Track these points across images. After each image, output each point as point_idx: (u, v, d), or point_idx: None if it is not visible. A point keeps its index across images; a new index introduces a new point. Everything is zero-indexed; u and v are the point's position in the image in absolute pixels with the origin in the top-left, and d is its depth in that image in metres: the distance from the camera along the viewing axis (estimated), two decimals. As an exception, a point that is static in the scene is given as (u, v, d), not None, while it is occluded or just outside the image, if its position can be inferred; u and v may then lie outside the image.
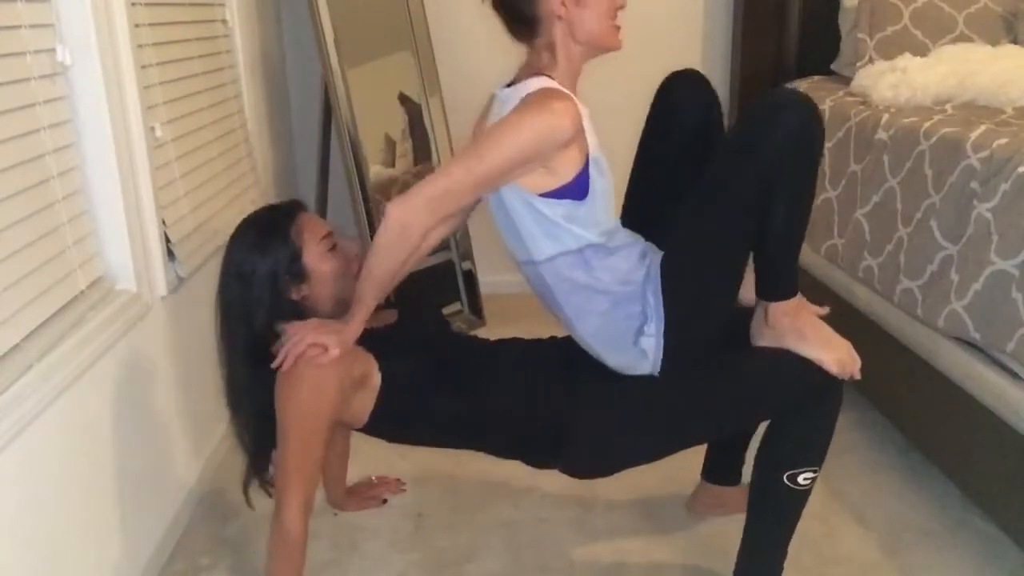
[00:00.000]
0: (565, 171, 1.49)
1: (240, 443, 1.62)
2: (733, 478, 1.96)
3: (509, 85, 1.61)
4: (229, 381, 1.60)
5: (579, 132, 1.49)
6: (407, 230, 1.46)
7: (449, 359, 1.63)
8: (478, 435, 1.63)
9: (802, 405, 1.56)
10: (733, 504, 1.89)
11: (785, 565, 1.68)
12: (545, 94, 1.49)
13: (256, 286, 1.54)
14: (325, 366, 1.45)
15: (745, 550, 1.65)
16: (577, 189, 1.51)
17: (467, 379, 1.60)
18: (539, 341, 1.74)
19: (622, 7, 1.57)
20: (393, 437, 1.67)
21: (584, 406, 1.56)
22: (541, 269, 1.56)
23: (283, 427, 1.48)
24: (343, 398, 1.50)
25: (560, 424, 1.55)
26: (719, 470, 1.96)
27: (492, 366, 1.64)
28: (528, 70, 1.59)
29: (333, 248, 1.60)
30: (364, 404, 1.55)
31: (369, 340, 1.55)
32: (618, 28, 1.58)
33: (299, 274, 1.56)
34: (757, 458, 1.63)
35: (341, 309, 1.58)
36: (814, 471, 1.57)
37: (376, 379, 1.54)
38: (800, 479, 1.56)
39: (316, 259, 1.57)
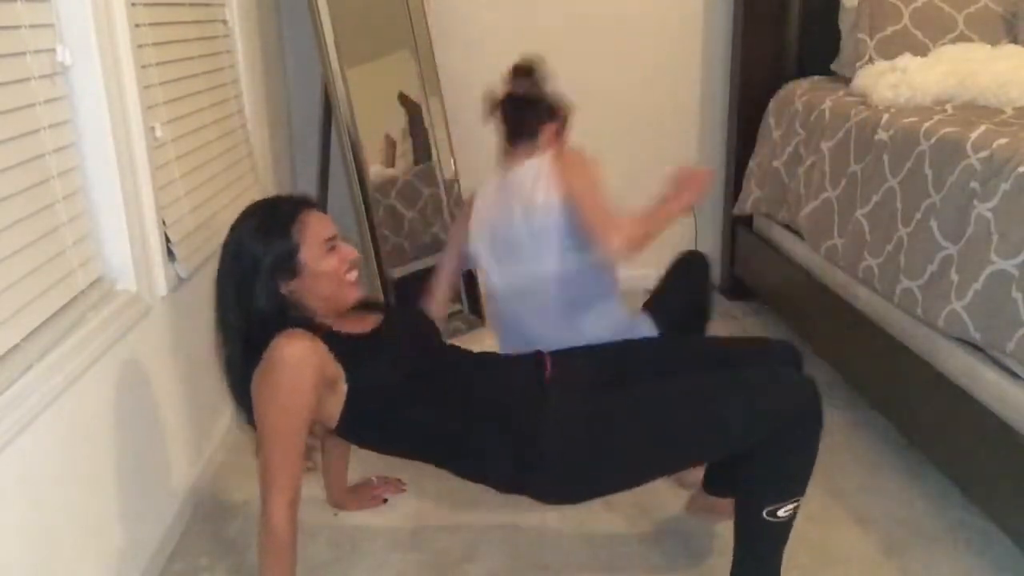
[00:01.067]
0: None
1: (244, 420, 1.62)
2: (729, 492, 1.95)
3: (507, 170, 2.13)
4: (225, 360, 1.60)
5: None
6: (633, 244, 1.86)
7: (422, 373, 1.61)
8: (441, 455, 1.62)
9: (780, 433, 1.51)
10: (727, 511, 1.89)
11: (785, 565, 1.68)
12: (560, 155, 2.06)
13: (249, 272, 1.54)
14: (299, 363, 1.46)
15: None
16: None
17: (437, 396, 1.59)
18: (517, 358, 1.75)
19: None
20: (359, 443, 1.67)
21: (554, 433, 1.55)
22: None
23: (262, 427, 1.48)
24: (317, 396, 1.50)
25: (528, 448, 1.55)
26: (715, 483, 1.95)
27: (466, 384, 1.63)
28: (528, 153, 2.09)
29: (332, 249, 1.60)
30: (333, 408, 1.55)
31: (344, 345, 1.55)
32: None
33: (292, 269, 1.56)
34: (736, 492, 1.62)
35: (329, 308, 1.59)
36: (795, 501, 1.55)
37: (343, 387, 1.54)
38: (780, 512, 1.54)
39: (312, 257, 1.57)
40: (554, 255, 2.00)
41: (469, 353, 1.73)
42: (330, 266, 1.58)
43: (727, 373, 1.61)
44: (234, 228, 1.59)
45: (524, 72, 2.18)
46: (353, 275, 1.62)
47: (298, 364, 1.46)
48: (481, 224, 2.14)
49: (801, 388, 1.54)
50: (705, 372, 1.65)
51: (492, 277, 2.13)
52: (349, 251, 1.62)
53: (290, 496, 1.47)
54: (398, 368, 1.59)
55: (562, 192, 1.98)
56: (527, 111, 2.14)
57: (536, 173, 2.05)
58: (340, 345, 1.54)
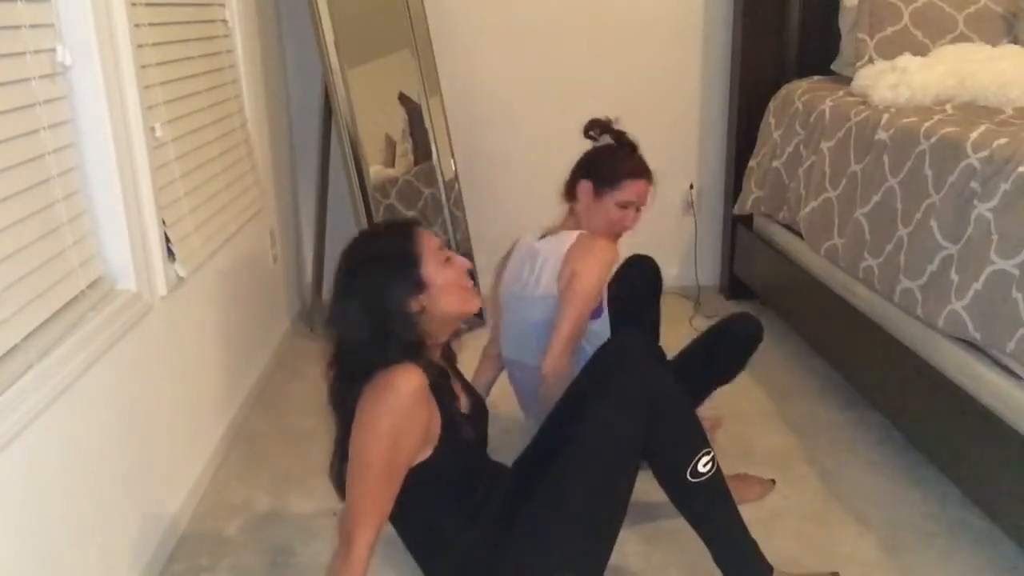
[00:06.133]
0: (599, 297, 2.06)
1: (336, 444, 1.57)
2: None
3: (541, 238, 2.14)
4: (334, 386, 1.55)
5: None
6: (560, 375, 1.93)
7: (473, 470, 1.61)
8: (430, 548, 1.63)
9: (646, 412, 1.56)
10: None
11: (786, 565, 1.68)
12: (590, 238, 2.04)
13: (379, 297, 1.48)
14: (416, 397, 1.42)
15: (712, 549, 1.66)
16: (597, 311, 2.06)
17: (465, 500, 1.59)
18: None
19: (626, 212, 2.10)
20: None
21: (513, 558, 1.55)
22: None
23: (366, 455, 1.42)
24: (423, 437, 1.46)
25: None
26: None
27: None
28: (568, 221, 2.15)
29: (447, 260, 1.56)
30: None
31: (448, 408, 1.52)
32: (618, 234, 2.15)
33: (418, 284, 1.51)
34: (654, 475, 1.65)
35: (454, 324, 1.58)
36: (706, 452, 1.61)
37: (428, 452, 1.50)
38: (700, 467, 1.60)
39: (434, 270, 1.52)
40: (537, 347, 2.03)
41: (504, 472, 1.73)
42: (450, 276, 1.54)
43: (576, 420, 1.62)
44: (350, 260, 1.53)
45: (595, 127, 2.14)
46: (471, 282, 1.59)
47: (416, 397, 1.42)
48: (503, 284, 2.20)
49: (638, 369, 1.63)
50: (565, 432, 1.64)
51: (501, 337, 2.21)
52: (463, 261, 1.59)
53: (377, 535, 1.44)
54: (468, 457, 1.58)
55: (560, 287, 2.00)
56: (574, 168, 2.12)
57: (552, 258, 2.04)
58: (445, 405, 1.51)
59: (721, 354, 2.18)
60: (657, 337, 2.28)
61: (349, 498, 1.44)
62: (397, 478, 1.44)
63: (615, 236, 2.12)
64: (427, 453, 1.48)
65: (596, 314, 2.07)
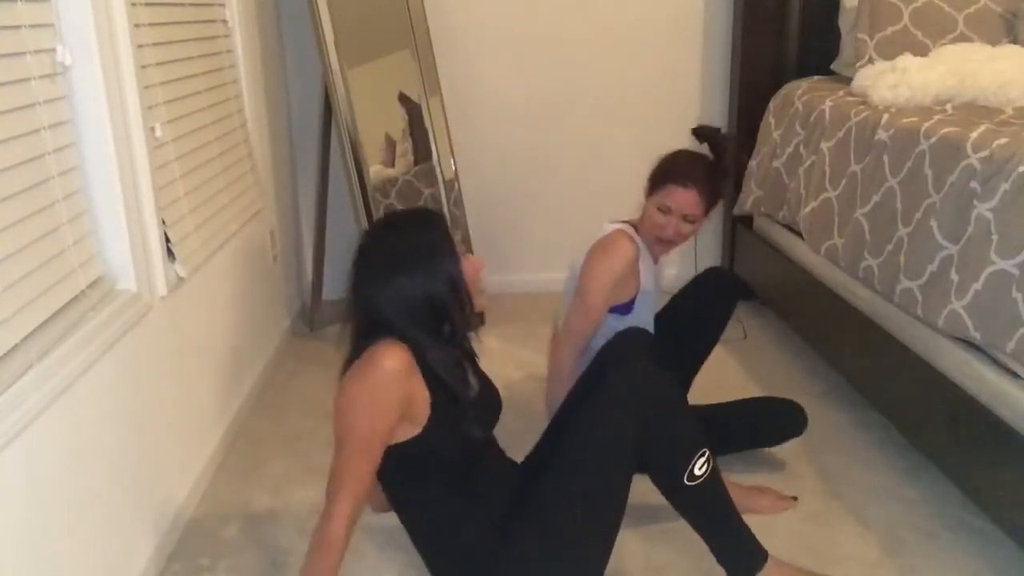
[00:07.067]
0: (628, 293, 2.10)
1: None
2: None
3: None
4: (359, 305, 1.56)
5: (635, 268, 2.08)
6: (557, 368, 2.08)
7: (473, 460, 1.61)
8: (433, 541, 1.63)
9: (637, 410, 1.56)
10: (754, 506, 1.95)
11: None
12: (615, 237, 2.07)
13: (424, 279, 1.51)
14: (397, 372, 1.44)
15: (710, 543, 1.67)
16: (625, 308, 2.11)
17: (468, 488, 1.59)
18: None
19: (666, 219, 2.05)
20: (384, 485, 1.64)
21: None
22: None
23: (345, 428, 1.46)
24: (401, 412, 1.48)
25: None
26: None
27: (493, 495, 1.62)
28: (634, 219, 2.15)
29: (464, 257, 1.59)
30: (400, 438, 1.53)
31: (443, 391, 1.53)
32: (661, 240, 2.09)
33: (458, 273, 1.55)
34: (652, 480, 1.65)
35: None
36: (702, 455, 1.60)
37: (416, 430, 1.52)
38: (696, 471, 1.59)
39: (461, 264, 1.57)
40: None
41: (511, 467, 1.73)
42: (469, 273, 1.58)
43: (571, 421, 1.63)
44: (393, 239, 1.56)
45: (698, 132, 2.18)
46: (483, 283, 1.62)
47: (396, 373, 1.45)
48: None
49: (629, 367, 1.62)
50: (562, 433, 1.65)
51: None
52: (480, 261, 1.62)
53: (355, 507, 1.45)
54: (465, 447, 1.58)
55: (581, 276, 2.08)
56: None
57: (587, 247, 2.10)
58: (439, 389, 1.52)
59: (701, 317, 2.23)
60: (702, 361, 2.27)
61: (332, 466, 1.48)
62: (376, 452, 1.47)
63: (663, 244, 2.09)
64: (414, 431, 1.50)
65: (623, 310, 2.09)
